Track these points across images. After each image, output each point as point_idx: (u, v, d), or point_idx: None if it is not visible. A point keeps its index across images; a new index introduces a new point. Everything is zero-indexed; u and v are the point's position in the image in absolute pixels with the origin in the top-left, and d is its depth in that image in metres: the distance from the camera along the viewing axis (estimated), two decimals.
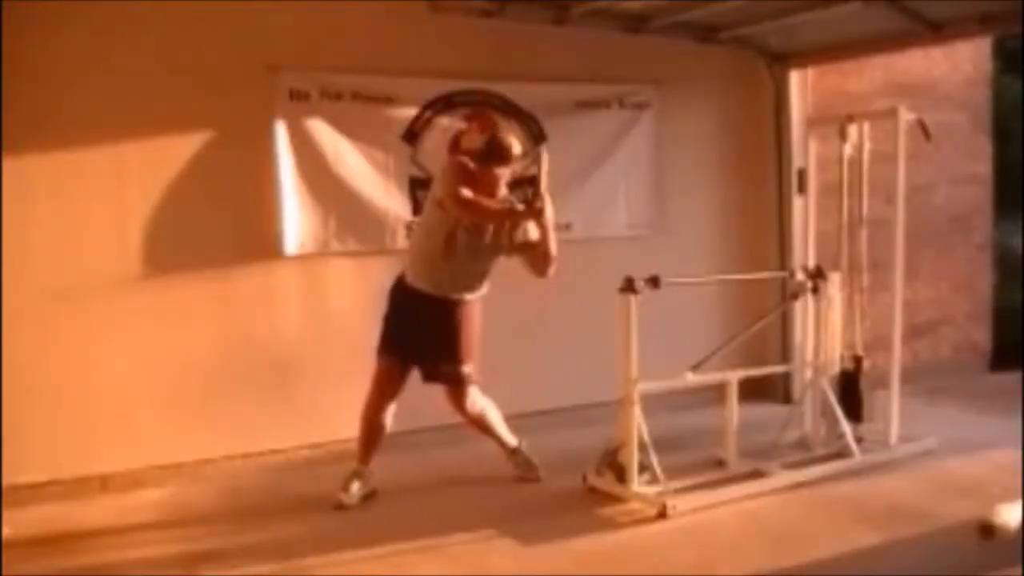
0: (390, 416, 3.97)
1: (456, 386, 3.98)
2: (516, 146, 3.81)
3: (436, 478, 4.28)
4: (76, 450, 4.06)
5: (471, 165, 3.73)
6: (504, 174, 3.79)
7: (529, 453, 4.26)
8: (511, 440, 4.25)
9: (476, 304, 3.96)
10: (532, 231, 3.81)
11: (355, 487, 3.91)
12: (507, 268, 4.04)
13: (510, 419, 4.27)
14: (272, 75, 4.32)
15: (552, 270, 3.79)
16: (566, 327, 5.02)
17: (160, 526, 3.75)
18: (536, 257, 3.80)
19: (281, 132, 4.37)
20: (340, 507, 3.86)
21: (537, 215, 3.68)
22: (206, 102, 4.23)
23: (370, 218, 4.61)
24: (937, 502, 3.80)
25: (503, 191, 3.84)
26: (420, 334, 3.87)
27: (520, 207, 3.77)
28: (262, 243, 4.39)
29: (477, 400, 4.07)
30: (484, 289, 3.97)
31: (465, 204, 3.63)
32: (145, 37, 4.10)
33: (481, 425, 4.17)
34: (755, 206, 5.66)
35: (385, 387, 3.92)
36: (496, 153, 3.74)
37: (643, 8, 4.79)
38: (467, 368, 3.94)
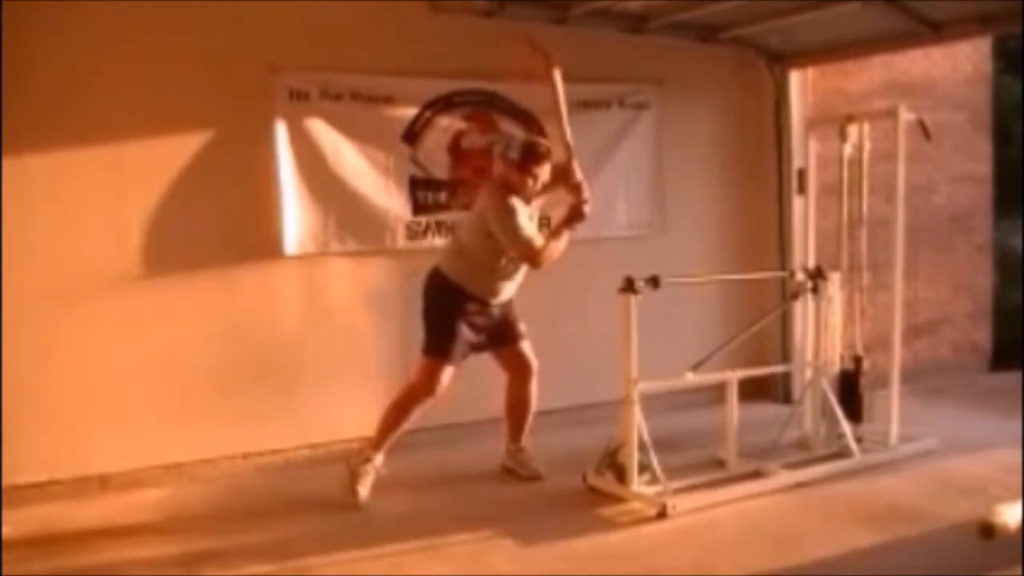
0: None
1: (517, 343, 4.14)
2: (547, 145, 3.96)
3: (436, 478, 4.27)
4: (75, 450, 4.06)
5: (512, 197, 3.85)
6: (542, 173, 3.91)
7: (532, 454, 4.27)
8: (525, 438, 4.27)
9: None
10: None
11: (367, 477, 3.91)
12: None
13: None
14: (272, 75, 4.32)
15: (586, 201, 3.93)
16: (566, 327, 5.01)
17: (160, 526, 3.75)
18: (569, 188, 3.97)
19: (281, 132, 4.37)
20: (354, 496, 3.86)
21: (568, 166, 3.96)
22: (206, 102, 4.23)
23: (370, 218, 4.61)
24: (937, 502, 3.80)
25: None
26: (491, 331, 4.05)
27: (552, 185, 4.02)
28: (262, 243, 4.39)
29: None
30: None
31: (545, 258, 3.86)
32: (145, 37, 4.10)
33: (522, 407, 4.20)
34: (755, 206, 5.66)
35: (436, 388, 3.92)
36: (533, 155, 3.89)
37: (643, 8, 4.79)
38: (521, 325, 4.17)
